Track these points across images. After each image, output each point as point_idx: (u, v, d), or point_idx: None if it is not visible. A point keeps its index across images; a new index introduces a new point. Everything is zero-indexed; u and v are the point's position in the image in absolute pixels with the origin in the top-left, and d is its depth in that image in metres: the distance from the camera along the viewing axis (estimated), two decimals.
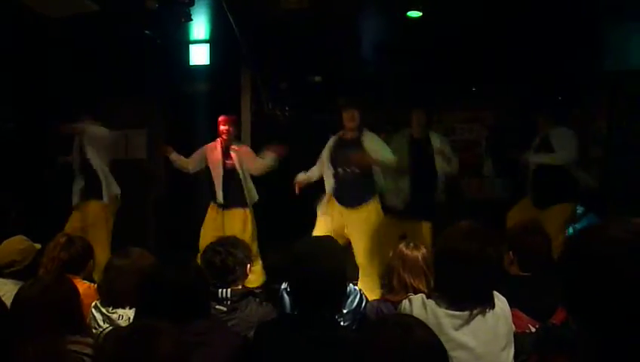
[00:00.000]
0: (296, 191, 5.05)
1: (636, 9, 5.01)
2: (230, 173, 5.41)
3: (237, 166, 5.39)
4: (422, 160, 5.04)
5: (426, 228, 4.99)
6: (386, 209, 5.01)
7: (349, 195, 4.82)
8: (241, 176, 5.40)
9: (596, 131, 6.34)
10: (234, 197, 5.41)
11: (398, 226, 4.98)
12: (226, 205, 5.41)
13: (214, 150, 5.48)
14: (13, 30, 5.28)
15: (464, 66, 6.46)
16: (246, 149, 5.55)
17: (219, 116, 5.48)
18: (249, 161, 5.42)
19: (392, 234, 4.76)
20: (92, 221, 5.25)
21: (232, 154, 5.41)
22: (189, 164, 5.61)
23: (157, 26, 5.51)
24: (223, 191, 5.41)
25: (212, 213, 5.46)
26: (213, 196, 5.48)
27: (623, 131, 6.04)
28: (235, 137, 5.56)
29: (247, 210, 5.42)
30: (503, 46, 5.89)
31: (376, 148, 4.75)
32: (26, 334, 1.93)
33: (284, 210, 5.73)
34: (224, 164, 5.42)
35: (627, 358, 1.16)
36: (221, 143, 5.45)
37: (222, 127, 5.41)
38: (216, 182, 5.45)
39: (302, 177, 5.08)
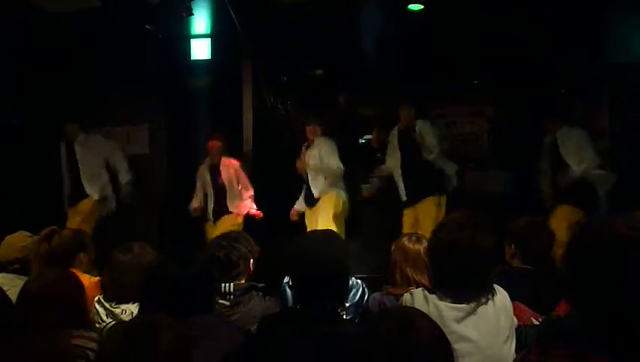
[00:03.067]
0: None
1: (638, 0, 4.99)
2: (221, 190, 5.61)
3: (225, 181, 5.59)
4: (410, 147, 5.41)
5: (431, 202, 5.29)
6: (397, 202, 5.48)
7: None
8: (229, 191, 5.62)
9: (600, 123, 6.32)
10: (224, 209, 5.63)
11: (411, 214, 5.37)
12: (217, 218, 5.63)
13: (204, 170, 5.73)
14: (16, 26, 5.27)
15: (466, 59, 6.45)
16: (236, 166, 5.67)
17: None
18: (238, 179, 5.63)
19: (408, 222, 5.34)
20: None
21: (222, 170, 5.58)
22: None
23: (158, 21, 5.51)
24: (215, 207, 5.65)
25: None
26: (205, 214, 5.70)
27: (625, 123, 6.02)
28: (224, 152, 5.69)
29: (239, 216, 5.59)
30: (505, 39, 5.87)
31: (324, 155, 5.39)
32: (30, 328, 1.94)
33: (286, 206, 5.75)
34: (215, 182, 5.63)
35: (630, 351, 1.16)
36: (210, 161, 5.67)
37: (210, 143, 5.61)
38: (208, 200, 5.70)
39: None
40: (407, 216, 5.39)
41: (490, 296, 2.03)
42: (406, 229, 5.19)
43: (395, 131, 5.59)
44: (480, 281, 2.04)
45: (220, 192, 5.62)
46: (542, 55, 6.16)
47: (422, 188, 5.34)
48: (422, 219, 5.18)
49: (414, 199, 5.36)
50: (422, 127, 5.37)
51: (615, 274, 1.18)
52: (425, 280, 2.64)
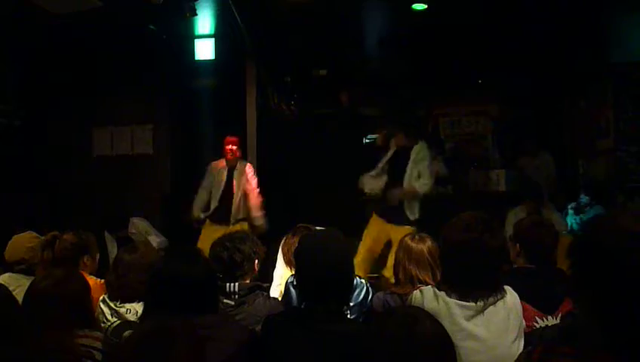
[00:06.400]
0: None
1: None
2: (228, 195, 5.44)
3: (235, 190, 5.43)
4: (399, 168, 5.00)
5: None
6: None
7: None
8: (236, 198, 5.44)
9: (603, 123, 6.32)
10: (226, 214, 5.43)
11: (386, 230, 4.97)
12: (219, 222, 5.41)
13: (218, 169, 5.53)
14: (18, 27, 5.29)
15: (470, 59, 6.44)
16: (249, 176, 5.49)
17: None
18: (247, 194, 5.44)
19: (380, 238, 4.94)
20: None
21: (234, 180, 5.43)
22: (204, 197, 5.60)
23: (162, 21, 5.51)
24: (219, 209, 5.45)
25: (210, 230, 5.36)
26: (210, 211, 5.50)
27: (628, 122, 6.01)
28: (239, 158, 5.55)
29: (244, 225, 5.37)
30: (509, 38, 5.87)
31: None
32: (37, 327, 1.95)
33: (290, 208, 5.75)
34: (225, 186, 5.45)
35: (633, 348, 1.16)
36: (225, 164, 5.50)
37: (227, 147, 5.44)
38: (213, 200, 5.50)
39: None
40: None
41: (500, 296, 2.04)
42: None
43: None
44: (490, 281, 2.05)
45: (227, 197, 5.46)
46: (546, 54, 6.16)
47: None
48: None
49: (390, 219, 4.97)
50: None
51: (619, 269, 1.18)
52: (429, 279, 2.64)
